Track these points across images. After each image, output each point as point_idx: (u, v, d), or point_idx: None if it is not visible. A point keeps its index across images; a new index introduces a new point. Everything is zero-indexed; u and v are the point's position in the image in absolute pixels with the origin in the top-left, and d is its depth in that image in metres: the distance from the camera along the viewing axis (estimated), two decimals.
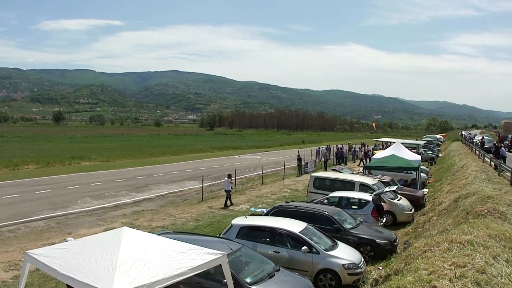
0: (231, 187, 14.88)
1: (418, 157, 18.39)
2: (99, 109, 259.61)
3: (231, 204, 14.43)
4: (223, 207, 14.03)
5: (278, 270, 6.29)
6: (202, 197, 15.52)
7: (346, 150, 34.54)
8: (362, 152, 33.83)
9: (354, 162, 32.88)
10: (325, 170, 25.87)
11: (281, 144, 57.25)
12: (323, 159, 27.12)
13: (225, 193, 14.73)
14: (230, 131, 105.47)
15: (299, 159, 23.61)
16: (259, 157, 35.84)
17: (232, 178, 15.27)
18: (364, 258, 7.88)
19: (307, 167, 24.71)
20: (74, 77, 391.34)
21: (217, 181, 19.70)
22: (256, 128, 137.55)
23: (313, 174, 14.42)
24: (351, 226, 9.12)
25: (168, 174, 22.35)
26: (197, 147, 43.12)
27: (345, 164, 28.86)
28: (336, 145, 36.33)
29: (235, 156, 35.83)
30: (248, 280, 5.73)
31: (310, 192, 13.62)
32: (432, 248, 5.82)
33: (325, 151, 31.72)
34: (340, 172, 17.41)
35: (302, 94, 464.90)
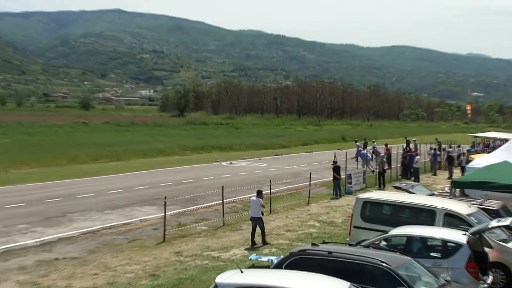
0: (262, 212, 15.52)
1: None
2: None
3: (264, 243, 14.97)
4: (250, 246, 14.85)
5: None
6: (164, 235, 15.63)
7: (419, 152, 34.69)
8: (445, 156, 33.97)
9: (434, 174, 33.04)
10: (382, 187, 26.08)
11: (304, 141, 57.90)
12: (376, 169, 27.28)
13: (250, 223, 15.41)
14: (215, 119, 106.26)
15: (336, 169, 23.69)
16: (265, 164, 36.14)
17: (263, 196, 15.74)
18: None
19: (350, 182, 24.86)
20: None
21: (192, 207, 19.77)
22: (259, 114, 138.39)
23: (360, 196, 14.45)
24: None
25: (103, 195, 22.60)
26: (156, 147, 43.49)
27: (417, 178, 29.15)
28: (407, 145, 36.15)
29: (223, 163, 36.16)
30: None
31: (355, 227, 13.71)
32: None
33: (380, 153, 32.10)
34: (410, 192, 17.43)
35: (341, 54, 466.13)
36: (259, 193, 15.65)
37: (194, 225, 17.15)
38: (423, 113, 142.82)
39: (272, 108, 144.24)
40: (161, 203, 16.94)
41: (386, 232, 11.72)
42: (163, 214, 16.02)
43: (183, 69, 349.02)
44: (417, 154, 30.76)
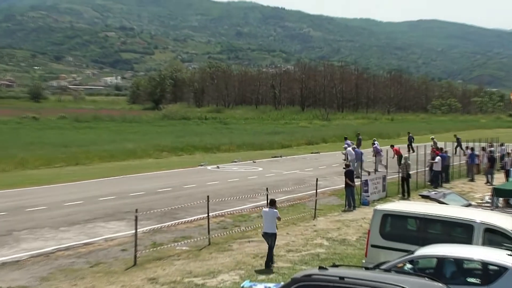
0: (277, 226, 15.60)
1: None
2: None
3: (267, 266, 15.08)
4: (266, 268, 14.96)
5: None
6: (135, 257, 15.60)
7: (454, 151, 34.85)
8: (485, 158, 34.03)
9: (472, 179, 33.11)
10: (406, 196, 26.19)
11: (310, 140, 58.12)
12: (400, 173, 27.36)
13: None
14: (198, 112, 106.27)
15: (349, 174, 23.72)
16: (260, 168, 36.24)
17: (276, 207, 15.72)
18: None
19: (367, 191, 24.93)
20: None
21: (170, 222, 19.75)
22: (254, 105, 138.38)
23: (379, 207, 14.45)
24: None
25: (58, 207, 22.58)
26: (125, 148, 43.52)
27: (436, 184, 29.26)
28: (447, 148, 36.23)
29: (209, 167, 36.32)
30: None
31: (373, 246, 13.77)
32: None
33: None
34: (441, 202, 17.45)
35: (355, 31, 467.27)
36: (273, 203, 15.60)
37: (172, 244, 17.09)
38: (456, 104, 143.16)
39: (269, 98, 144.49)
40: (131, 217, 16.85)
41: (412, 252, 11.73)
42: (133, 231, 15.95)
43: (158, 51, 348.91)
44: (437, 154, 30.89)
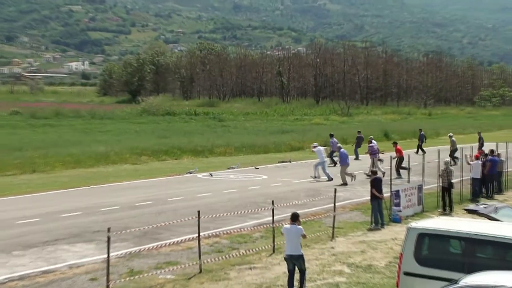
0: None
1: None
2: None
3: None
4: None
5: None
6: None
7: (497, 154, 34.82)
8: None
9: None
10: (448, 211, 26.25)
11: (326, 140, 56.64)
12: (441, 182, 27.32)
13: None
14: (186, 106, 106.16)
15: (376, 183, 23.66)
16: (264, 177, 36.40)
17: (300, 222, 16.01)
18: None
19: (398, 204, 24.96)
20: None
21: (151, 244, 19.70)
22: (255, 98, 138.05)
23: (415, 225, 14.44)
24: None
25: (10, 226, 22.59)
26: (95, 151, 43.61)
27: (477, 196, 29.05)
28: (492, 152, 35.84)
29: (200, 175, 36.41)
30: None
31: (406, 273, 13.76)
32: None
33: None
34: (492, 218, 17.37)
35: (383, 4, 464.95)
36: (296, 218, 15.74)
37: (154, 272, 17.04)
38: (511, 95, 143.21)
39: (275, 89, 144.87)
40: (102, 238, 16.75)
41: (456, 282, 11.72)
42: (105, 255, 15.93)
43: (135, 29, 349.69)
44: (476, 157, 30.86)
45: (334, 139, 42.49)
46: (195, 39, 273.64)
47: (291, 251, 15.38)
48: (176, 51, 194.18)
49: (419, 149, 47.93)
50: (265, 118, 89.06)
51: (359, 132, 48.50)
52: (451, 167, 27.66)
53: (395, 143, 38.29)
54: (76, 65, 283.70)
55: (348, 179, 33.57)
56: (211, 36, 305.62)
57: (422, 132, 50.54)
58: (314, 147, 36.33)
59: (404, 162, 35.20)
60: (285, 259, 15.63)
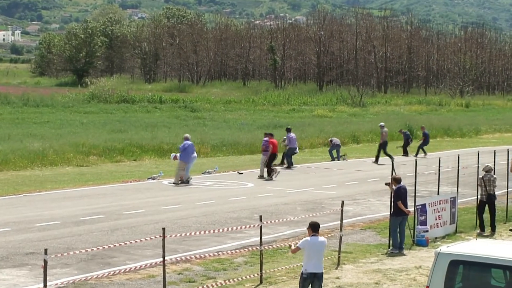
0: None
1: None
2: None
3: None
4: None
5: None
6: None
7: None
8: None
9: None
10: (488, 231, 26.29)
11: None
12: (480, 193, 27.24)
13: None
14: (148, 91, 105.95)
15: (399, 194, 23.59)
16: (250, 184, 36.61)
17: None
18: None
19: (424, 222, 24.96)
20: None
21: (102, 270, 19.76)
22: (240, 81, 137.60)
23: (445, 250, 14.48)
24: None
25: None
26: (27, 147, 43.56)
27: None
28: None
29: (166, 181, 36.49)
30: None
31: None
32: None
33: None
34: None
35: None
36: (316, 228, 15.90)
37: None
38: None
39: (265, 69, 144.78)
40: (37, 262, 16.74)
41: None
42: (41, 285, 15.97)
43: None
44: None
45: (292, 134, 43.64)
46: (161, 2, 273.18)
47: (313, 268, 15.52)
48: (136, 19, 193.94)
49: (419, 150, 48.15)
50: (252, 109, 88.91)
51: (423, 127, 49.81)
52: (494, 176, 27.17)
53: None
54: (3, 35, 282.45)
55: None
56: (181, 0, 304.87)
57: (407, 132, 51.17)
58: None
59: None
60: (305, 278, 15.63)
